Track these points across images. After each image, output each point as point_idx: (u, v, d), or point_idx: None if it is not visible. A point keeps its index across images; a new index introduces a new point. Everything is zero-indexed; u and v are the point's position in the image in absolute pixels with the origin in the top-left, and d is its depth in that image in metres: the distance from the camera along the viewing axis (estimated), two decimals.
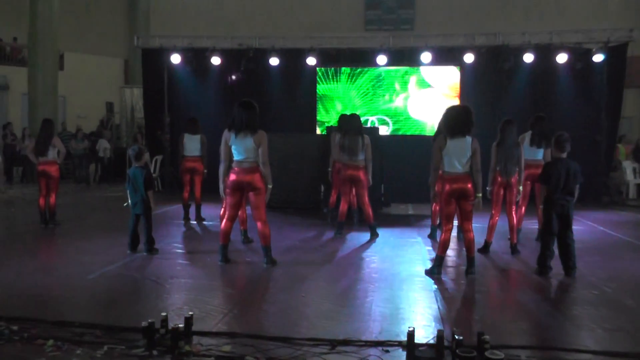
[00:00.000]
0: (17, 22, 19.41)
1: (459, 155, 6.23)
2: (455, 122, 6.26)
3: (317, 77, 13.97)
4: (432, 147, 6.49)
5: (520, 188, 7.60)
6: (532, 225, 8.78)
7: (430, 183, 6.68)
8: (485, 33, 13.66)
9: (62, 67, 19.74)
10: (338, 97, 14.10)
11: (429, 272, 6.44)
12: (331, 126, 10.99)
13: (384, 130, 13.35)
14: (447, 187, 6.27)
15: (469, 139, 6.25)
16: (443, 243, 6.42)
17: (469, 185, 6.27)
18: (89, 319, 4.71)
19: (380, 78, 13.86)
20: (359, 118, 8.81)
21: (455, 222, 6.62)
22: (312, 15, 20.15)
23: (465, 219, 6.40)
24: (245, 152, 6.44)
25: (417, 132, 13.59)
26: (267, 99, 13.46)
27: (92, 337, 4.34)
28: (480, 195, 6.39)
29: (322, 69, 13.88)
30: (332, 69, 13.84)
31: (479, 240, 7.14)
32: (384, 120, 13.85)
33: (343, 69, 13.88)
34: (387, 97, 13.92)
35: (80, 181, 16.87)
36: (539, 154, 8.04)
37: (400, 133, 13.70)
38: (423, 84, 13.75)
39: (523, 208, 8.15)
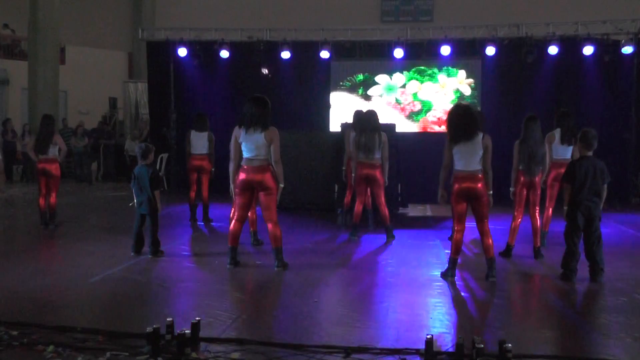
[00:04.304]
0: (16, 14, 19.33)
1: (470, 154, 6.05)
2: (457, 127, 6.07)
3: None
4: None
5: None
6: (559, 227, 8.53)
7: (439, 182, 6.46)
8: (507, 24, 13.43)
9: (63, 60, 19.60)
10: None
11: (443, 275, 6.33)
12: (345, 123, 10.84)
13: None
14: (456, 186, 6.12)
15: (478, 137, 6.04)
16: (455, 244, 6.26)
17: (479, 185, 6.07)
18: (91, 324, 4.61)
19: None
20: (376, 114, 8.61)
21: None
22: (325, 6, 19.86)
23: (479, 221, 6.21)
24: (256, 149, 6.29)
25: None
26: (278, 94, 13.29)
27: (94, 343, 4.24)
28: (490, 193, 6.19)
29: None
30: None
31: (500, 243, 6.93)
32: None
33: None
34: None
35: (82, 180, 16.76)
36: (569, 152, 7.78)
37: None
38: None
39: (550, 210, 7.90)
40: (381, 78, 13.84)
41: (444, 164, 6.25)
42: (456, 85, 13.66)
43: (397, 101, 13.83)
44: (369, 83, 13.93)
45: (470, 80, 13.56)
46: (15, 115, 19.20)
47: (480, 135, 6.05)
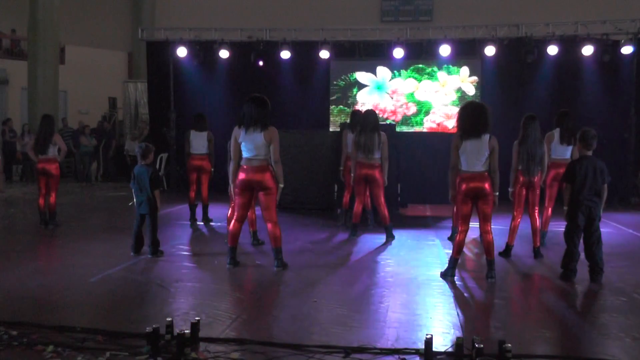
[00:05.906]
0: (16, 14, 19.28)
1: (476, 154, 6.05)
2: (468, 122, 6.07)
3: None
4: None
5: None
6: (559, 227, 8.53)
7: (449, 183, 6.49)
8: (507, 24, 13.45)
9: (63, 60, 19.57)
10: None
11: (443, 275, 6.32)
12: (344, 122, 10.81)
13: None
14: (464, 186, 6.10)
15: (486, 137, 6.05)
16: (457, 244, 6.25)
17: (486, 185, 6.08)
18: (90, 324, 4.60)
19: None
20: (375, 114, 8.58)
21: (477, 224, 6.40)
22: (325, 6, 19.86)
23: (483, 220, 6.21)
24: (255, 149, 6.27)
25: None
26: (278, 94, 13.30)
27: (94, 343, 4.23)
28: (496, 194, 6.19)
29: None
30: None
31: (500, 243, 6.91)
32: None
33: None
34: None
35: (82, 180, 16.68)
36: (568, 152, 7.77)
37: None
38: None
39: (550, 209, 7.90)
40: (380, 71, 13.80)
41: (451, 165, 6.23)
42: (458, 83, 13.57)
43: (388, 107, 13.78)
44: (365, 79, 13.93)
45: (474, 79, 13.49)
46: (15, 115, 19.18)
47: (488, 136, 6.05)
